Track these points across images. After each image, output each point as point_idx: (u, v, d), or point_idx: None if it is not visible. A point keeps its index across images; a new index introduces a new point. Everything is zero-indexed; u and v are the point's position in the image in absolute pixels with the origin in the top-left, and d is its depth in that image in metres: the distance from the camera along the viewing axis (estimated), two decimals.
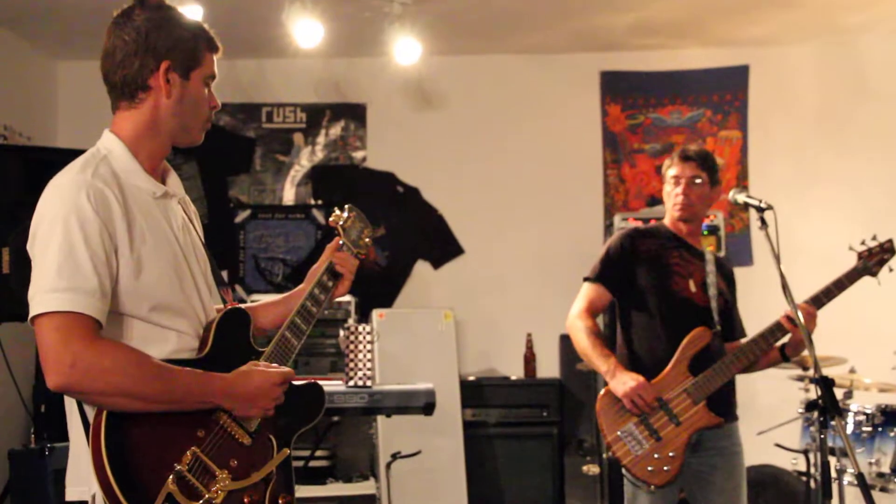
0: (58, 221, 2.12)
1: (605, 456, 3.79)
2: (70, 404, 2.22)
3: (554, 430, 6.56)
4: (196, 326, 2.33)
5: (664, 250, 3.91)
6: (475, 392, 6.62)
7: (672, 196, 3.93)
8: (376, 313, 6.51)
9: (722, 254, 6.07)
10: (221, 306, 2.45)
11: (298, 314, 2.51)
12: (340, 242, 2.67)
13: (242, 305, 2.51)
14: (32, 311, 2.09)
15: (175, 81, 2.31)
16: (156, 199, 2.31)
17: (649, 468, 3.67)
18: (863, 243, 3.89)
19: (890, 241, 3.90)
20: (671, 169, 3.94)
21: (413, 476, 5.89)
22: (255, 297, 6.45)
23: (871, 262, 3.85)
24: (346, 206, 2.72)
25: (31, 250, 2.18)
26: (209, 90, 2.40)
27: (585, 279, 3.99)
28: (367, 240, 2.73)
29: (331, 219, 2.70)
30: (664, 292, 3.85)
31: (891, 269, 3.87)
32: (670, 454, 3.68)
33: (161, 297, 2.23)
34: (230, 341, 2.35)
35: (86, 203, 2.13)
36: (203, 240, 2.50)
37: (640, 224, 4.20)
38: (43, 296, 2.08)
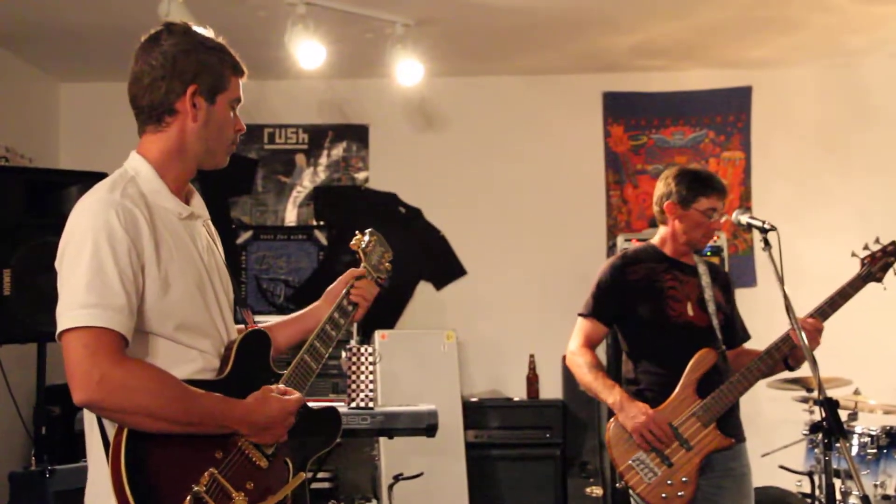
0: (87, 239, 2.12)
1: (618, 485, 3.75)
2: (90, 423, 2.22)
3: (557, 452, 6.54)
4: (218, 346, 2.34)
5: (656, 275, 3.86)
6: (478, 413, 6.60)
7: (708, 228, 3.84)
8: (378, 334, 6.51)
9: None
10: (242, 327, 2.46)
11: (318, 338, 2.51)
12: (362, 267, 2.66)
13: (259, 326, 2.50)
14: (60, 327, 2.09)
15: (201, 105, 2.33)
16: (181, 219, 2.33)
17: (663, 495, 3.62)
18: (865, 248, 3.81)
19: (893, 243, 3.80)
20: (707, 199, 3.82)
21: (415, 498, 5.86)
22: (256, 318, 6.42)
23: (874, 266, 3.76)
24: (368, 231, 2.73)
25: (59, 268, 2.19)
26: (234, 114, 2.43)
27: (579, 314, 3.95)
28: (387, 264, 2.73)
29: (352, 243, 2.70)
30: (662, 320, 3.79)
31: None
32: (683, 479, 3.63)
33: (185, 316, 2.24)
34: (250, 363, 2.36)
35: (115, 221, 2.14)
36: (225, 261, 2.52)
37: (627, 249, 4.15)
38: (72, 311, 2.09)
